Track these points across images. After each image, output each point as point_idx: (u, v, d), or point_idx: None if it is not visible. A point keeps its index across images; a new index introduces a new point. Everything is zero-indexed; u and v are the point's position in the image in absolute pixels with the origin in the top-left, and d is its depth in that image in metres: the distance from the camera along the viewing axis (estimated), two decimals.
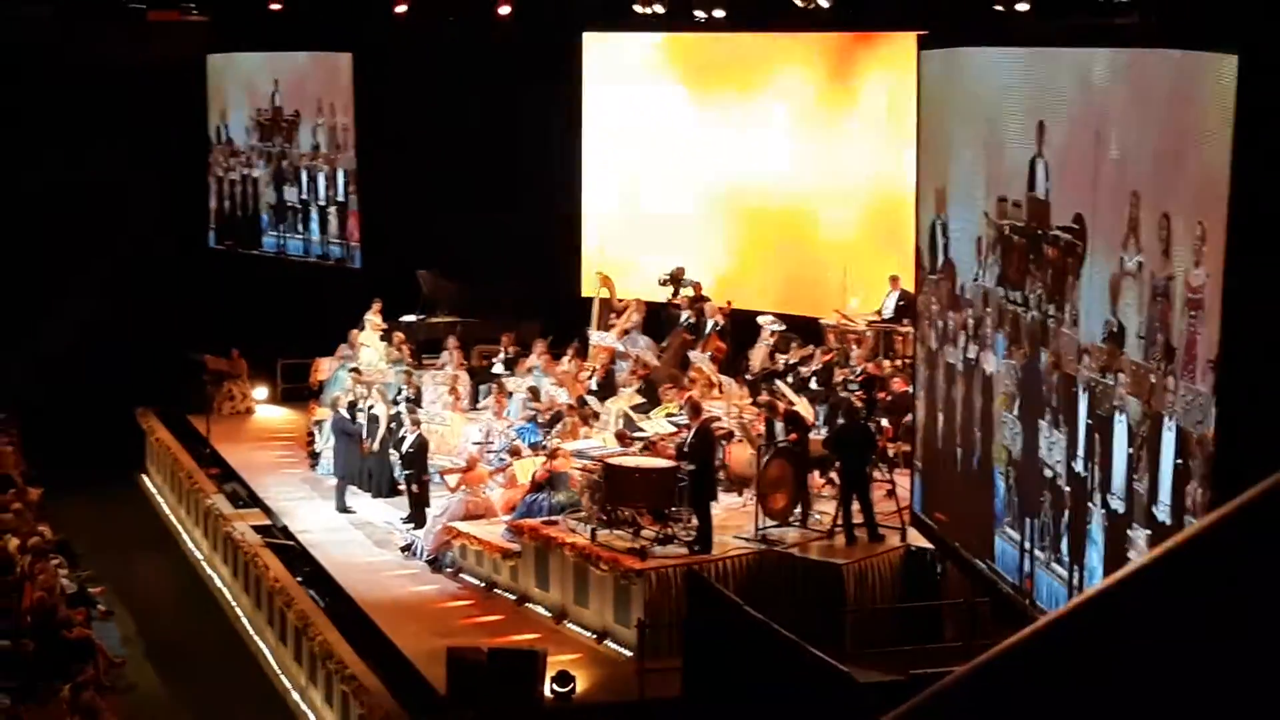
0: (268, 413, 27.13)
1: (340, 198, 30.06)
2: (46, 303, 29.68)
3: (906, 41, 19.52)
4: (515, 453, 19.54)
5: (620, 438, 18.78)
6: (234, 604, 20.30)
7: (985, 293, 14.84)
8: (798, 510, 17.44)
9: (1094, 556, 12.22)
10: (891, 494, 17.59)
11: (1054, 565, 13.04)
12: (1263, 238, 10.11)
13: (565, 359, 22.95)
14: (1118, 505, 11.82)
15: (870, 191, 23.74)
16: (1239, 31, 10.48)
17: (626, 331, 23.43)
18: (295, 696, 17.41)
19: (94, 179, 31.14)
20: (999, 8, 19.12)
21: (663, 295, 24.30)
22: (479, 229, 28.28)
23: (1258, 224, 10.09)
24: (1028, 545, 13.58)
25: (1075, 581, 12.58)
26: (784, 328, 22.37)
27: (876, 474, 17.68)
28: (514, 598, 17.79)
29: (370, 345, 24.78)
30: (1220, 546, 2.86)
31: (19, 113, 31.00)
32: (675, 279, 24.10)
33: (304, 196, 30.84)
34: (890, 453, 18.50)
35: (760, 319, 22.53)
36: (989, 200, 14.67)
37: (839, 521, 17.01)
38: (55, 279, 29.98)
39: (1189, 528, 2.95)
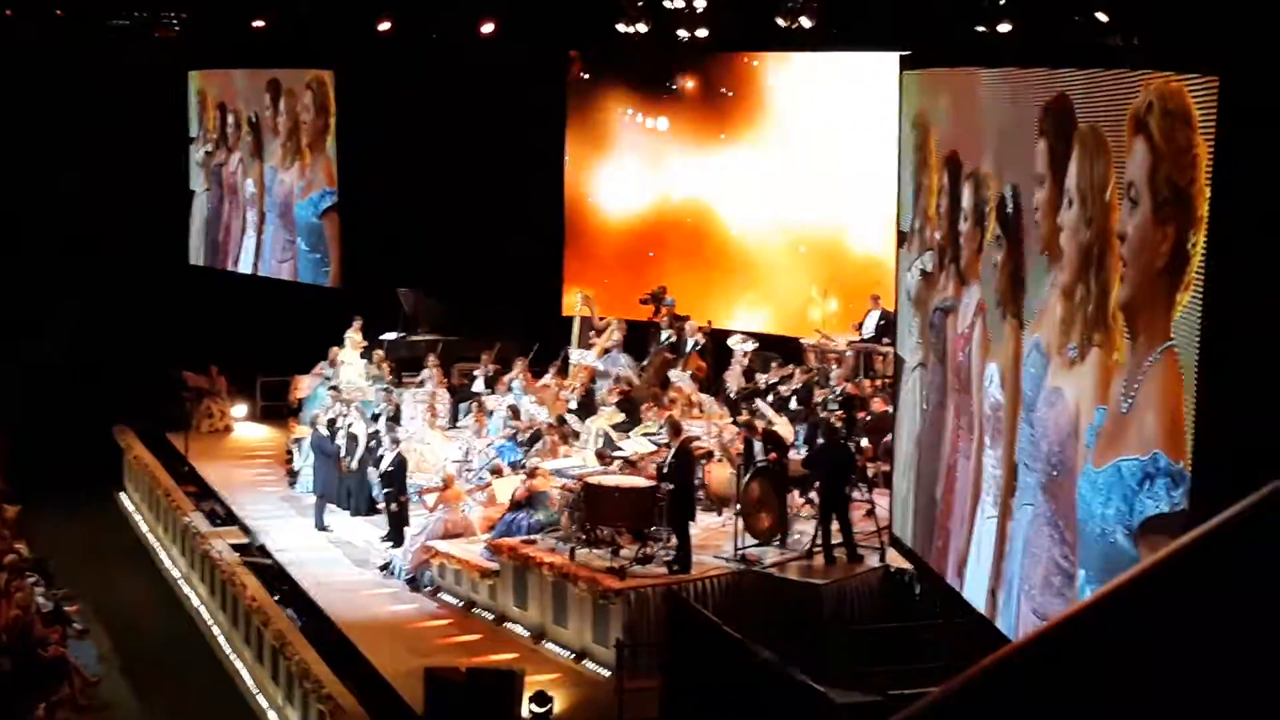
0: (246, 430, 27.05)
1: (319, 213, 30.00)
2: (24, 319, 29.57)
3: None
4: (497, 471, 19.51)
5: (600, 456, 18.76)
6: (211, 622, 20.21)
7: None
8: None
9: None
10: (870, 514, 17.59)
11: None
12: (1241, 260, 10.10)
13: (545, 377, 22.92)
14: None
15: (856, 211, 23.78)
16: (1221, 53, 10.50)
17: (607, 350, 23.42)
18: (272, 716, 17.32)
19: (74, 194, 31.07)
20: (981, 28, 19.15)
21: (643, 314, 24.29)
22: (460, 247, 28.28)
23: (1236, 244, 10.08)
24: None
25: None
26: (755, 346, 22.37)
27: (856, 494, 17.68)
28: (492, 617, 17.75)
29: (350, 363, 24.75)
30: (1195, 566, 2.85)
31: (1, 127, 30.93)
32: (656, 298, 24.10)
33: (280, 212, 30.77)
34: (870, 473, 18.50)
35: (731, 341, 22.53)
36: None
37: (818, 541, 17.00)
38: (33, 295, 29.88)
39: (1166, 548, 2.93)
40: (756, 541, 17.19)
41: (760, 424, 18.91)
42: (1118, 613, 2.93)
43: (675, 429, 17.65)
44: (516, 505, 18.29)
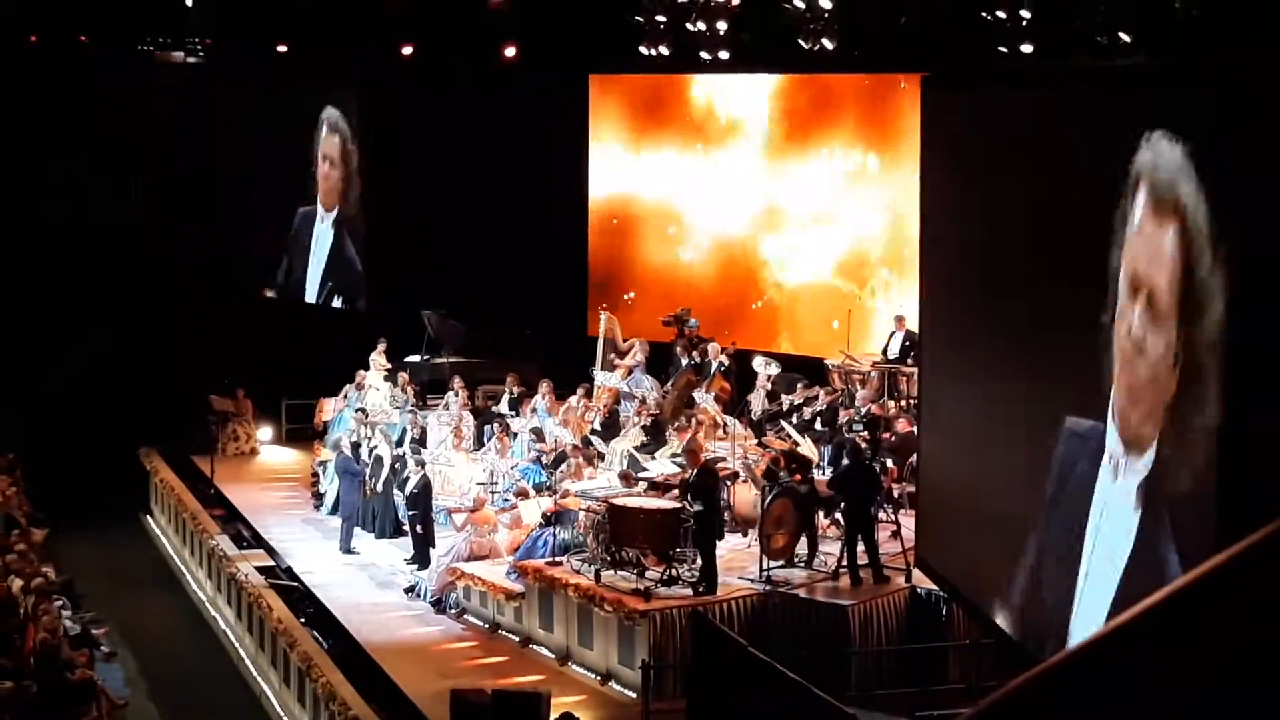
0: (272, 453, 27.13)
1: (345, 238, 30.13)
2: (51, 343, 29.73)
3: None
4: (522, 494, 19.51)
5: (625, 478, 18.77)
6: (237, 645, 20.25)
7: None
8: (803, 551, 17.41)
9: None
10: (896, 535, 17.56)
11: None
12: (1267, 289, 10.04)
13: (570, 399, 22.93)
14: None
15: (881, 233, 23.80)
16: (1231, 72, 10.50)
17: (631, 371, 23.42)
18: None
19: (99, 220, 31.25)
20: (1003, 49, 19.18)
21: (667, 335, 24.31)
22: (484, 269, 28.38)
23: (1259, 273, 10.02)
24: None
25: None
26: (779, 370, 22.37)
27: (881, 515, 17.66)
28: (518, 639, 17.75)
29: (375, 386, 24.81)
30: (1222, 590, 2.86)
31: (28, 153, 31.13)
32: (679, 319, 24.11)
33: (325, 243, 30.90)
34: (895, 493, 18.48)
35: (755, 364, 22.52)
36: None
37: (844, 562, 16.97)
38: (59, 319, 30.04)
39: (1190, 572, 2.94)
40: (773, 561, 17.15)
41: (786, 444, 18.92)
42: (1146, 633, 2.94)
43: (694, 454, 17.66)
44: (542, 527, 18.31)
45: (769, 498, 17.26)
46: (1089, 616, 12.35)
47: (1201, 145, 10.52)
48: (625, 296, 27.11)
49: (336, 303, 30.66)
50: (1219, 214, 10.26)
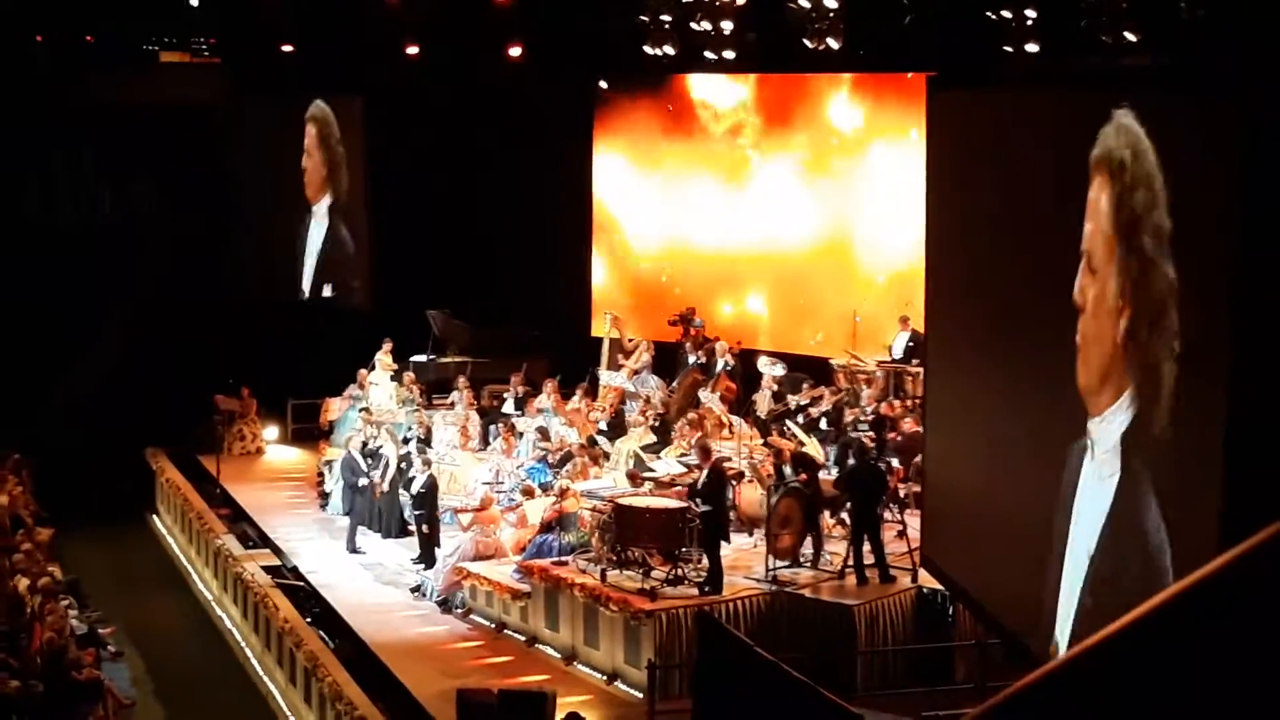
0: (278, 453, 27.16)
1: (342, 235, 30.16)
2: (58, 344, 29.75)
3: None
4: (529, 493, 19.52)
5: (631, 478, 18.78)
6: (244, 644, 20.27)
7: None
8: (809, 551, 17.41)
9: None
10: (902, 535, 17.57)
11: None
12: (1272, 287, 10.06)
13: (575, 399, 22.95)
14: None
15: (887, 231, 23.80)
16: (1247, 75, 10.52)
17: (636, 371, 23.44)
18: None
19: (105, 220, 31.28)
20: (1008, 49, 19.17)
21: (672, 335, 24.32)
22: (490, 269, 28.40)
23: (1266, 273, 10.05)
24: None
25: None
26: (784, 370, 22.37)
27: (887, 515, 17.66)
28: (524, 639, 17.76)
29: (380, 385, 24.84)
30: (1223, 592, 2.87)
31: (36, 155, 31.17)
32: (685, 319, 24.12)
33: (318, 236, 30.92)
34: (901, 493, 18.48)
35: (761, 364, 22.52)
36: None
37: (850, 562, 16.98)
38: (67, 320, 30.06)
39: (1194, 573, 2.96)
40: (778, 561, 17.16)
41: (792, 444, 18.92)
42: (1151, 634, 2.95)
43: (705, 451, 17.67)
44: (547, 527, 18.32)
45: (775, 497, 17.27)
46: (1066, 591, 12.51)
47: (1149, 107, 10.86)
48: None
49: (327, 291, 30.65)
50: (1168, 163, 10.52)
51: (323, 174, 30.17)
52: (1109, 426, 11.90)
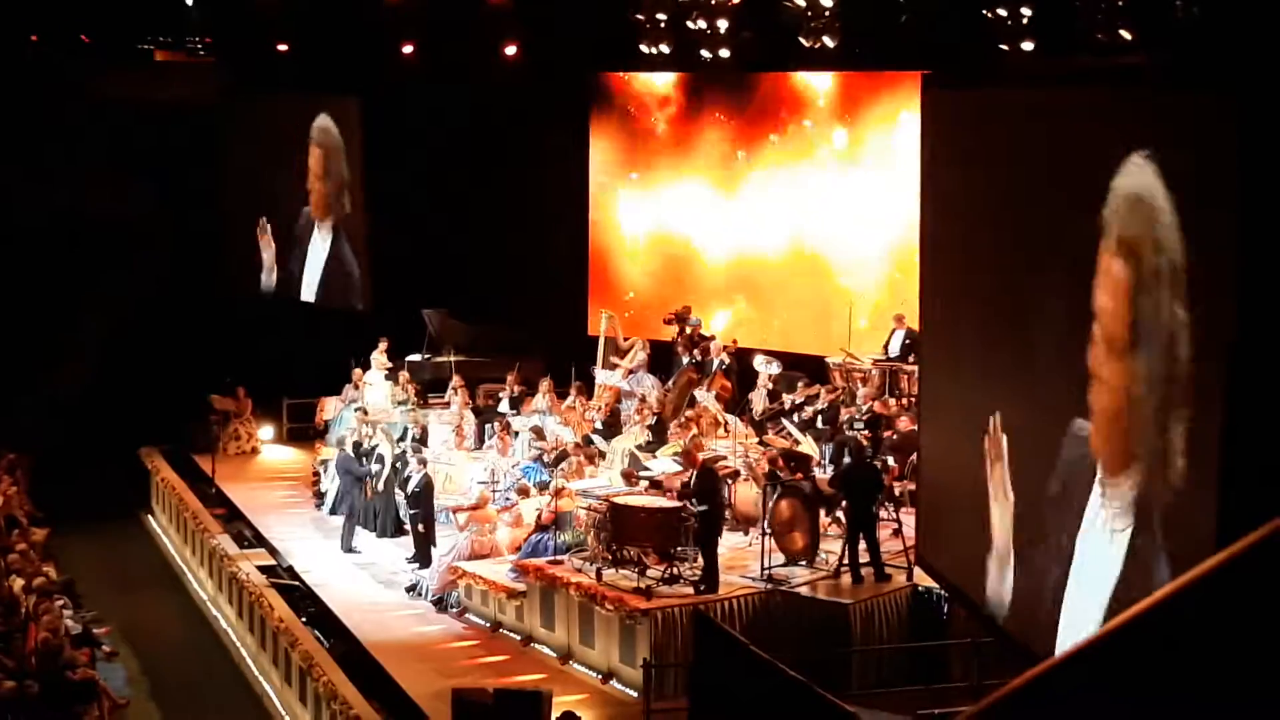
0: (273, 452, 27.14)
1: (342, 245, 30.12)
2: (53, 343, 29.73)
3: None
4: (524, 492, 19.51)
5: (626, 477, 18.77)
6: (239, 644, 20.25)
7: None
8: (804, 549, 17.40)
9: None
10: (898, 533, 17.57)
11: None
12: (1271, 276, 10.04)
13: (570, 398, 22.94)
14: None
15: (881, 231, 23.81)
16: (1242, 72, 10.50)
17: (632, 371, 23.43)
18: None
19: (102, 220, 31.23)
20: (1004, 47, 19.18)
21: (668, 334, 24.31)
22: (485, 268, 28.38)
23: (1266, 269, 10.01)
24: None
25: None
26: (779, 369, 22.36)
27: (883, 513, 17.66)
28: (519, 638, 17.75)
29: (376, 385, 24.82)
30: (1216, 593, 2.86)
31: (29, 152, 31.13)
32: (680, 318, 24.11)
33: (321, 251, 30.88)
34: (896, 491, 18.48)
35: (756, 363, 22.51)
36: None
37: (845, 561, 16.97)
38: (62, 319, 30.04)
39: (1184, 575, 2.95)
40: (790, 561, 17.15)
41: (783, 443, 18.92)
42: (1144, 633, 2.94)
43: (689, 454, 17.65)
44: (543, 526, 18.31)
45: (773, 497, 17.26)
46: (1074, 628, 12.45)
47: (1179, 171, 10.65)
48: (627, 295, 27.10)
49: (309, 297, 30.67)
50: (1191, 247, 10.41)
51: (327, 199, 30.11)
52: (1120, 489, 11.79)
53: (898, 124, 23.07)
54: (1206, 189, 10.51)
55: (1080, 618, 12.34)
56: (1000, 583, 14.33)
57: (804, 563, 17.24)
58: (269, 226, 31.52)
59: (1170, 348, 10.78)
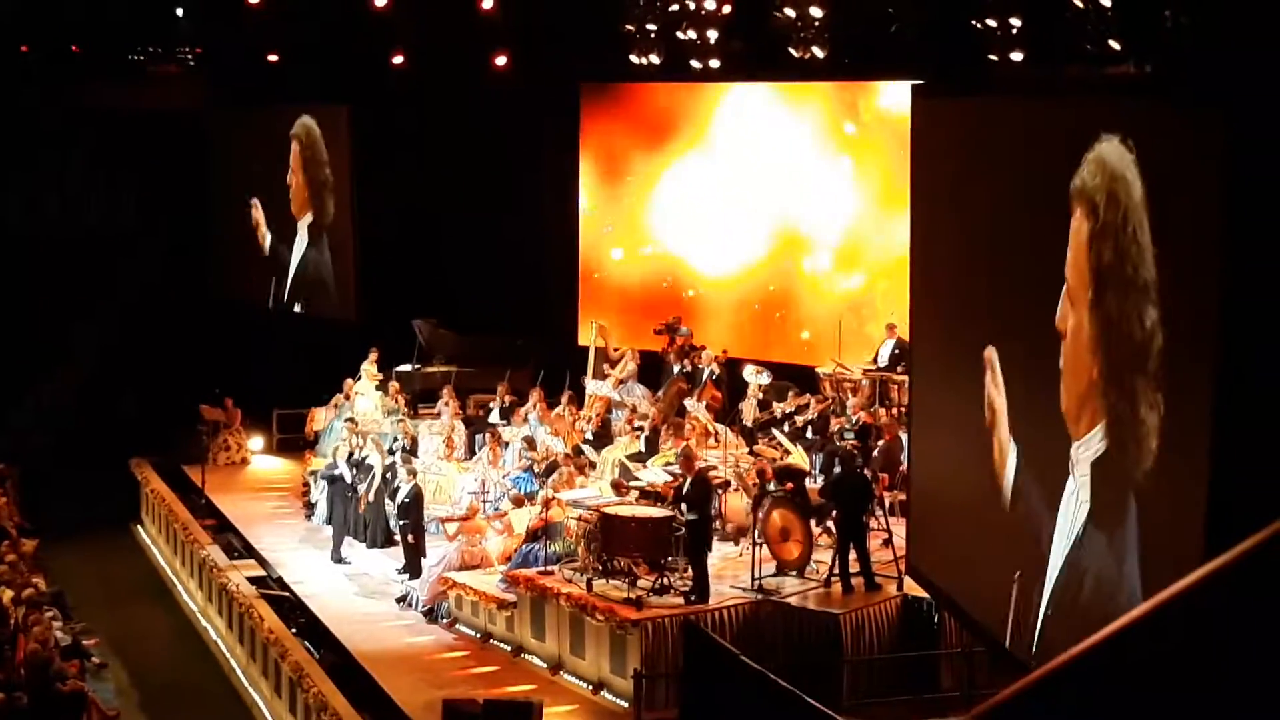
0: (263, 463, 27.11)
1: (321, 243, 30.11)
2: (43, 353, 29.70)
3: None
4: (518, 502, 19.49)
5: (616, 487, 18.76)
6: (229, 655, 20.22)
7: None
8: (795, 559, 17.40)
9: None
10: (888, 543, 17.57)
11: None
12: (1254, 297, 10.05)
13: (560, 408, 22.94)
14: None
15: (870, 240, 23.84)
16: (1230, 84, 10.53)
17: (622, 380, 23.44)
18: None
19: (92, 229, 31.23)
20: (993, 57, 19.21)
21: (658, 344, 24.31)
22: (475, 278, 28.37)
23: (1248, 285, 10.03)
24: None
25: None
26: (769, 379, 22.37)
27: (873, 523, 17.66)
28: (509, 648, 17.74)
29: (366, 395, 24.80)
30: (1208, 600, 2.86)
31: (20, 162, 31.12)
32: (671, 327, 24.12)
33: (297, 252, 30.87)
34: (887, 501, 18.48)
35: (746, 373, 22.51)
36: None
37: (835, 570, 16.97)
38: (52, 329, 30.01)
39: (1176, 584, 2.95)
40: (784, 571, 17.14)
41: (773, 453, 18.92)
42: (1136, 642, 2.94)
43: (688, 459, 17.66)
44: (533, 536, 18.30)
45: (765, 508, 17.25)
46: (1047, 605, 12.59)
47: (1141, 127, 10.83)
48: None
49: (297, 308, 30.62)
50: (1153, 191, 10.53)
51: (305, 194, 30.12)
52: (1083, 454, 11.99)
53: (889, 133, 23.09)
54: (1185, 189, 10.59)
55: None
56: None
57: (795, 573, 17.22)
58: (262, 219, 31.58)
59: (1129, 303, 10.98)
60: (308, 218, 30.23)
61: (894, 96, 22.03)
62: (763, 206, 25.28)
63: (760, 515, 17.31)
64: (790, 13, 22.08)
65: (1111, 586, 11.37)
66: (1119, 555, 11.34)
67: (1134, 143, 11.14)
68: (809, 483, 18.32)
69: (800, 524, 17.13)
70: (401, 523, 20.29)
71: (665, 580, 16.69)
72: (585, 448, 21.21)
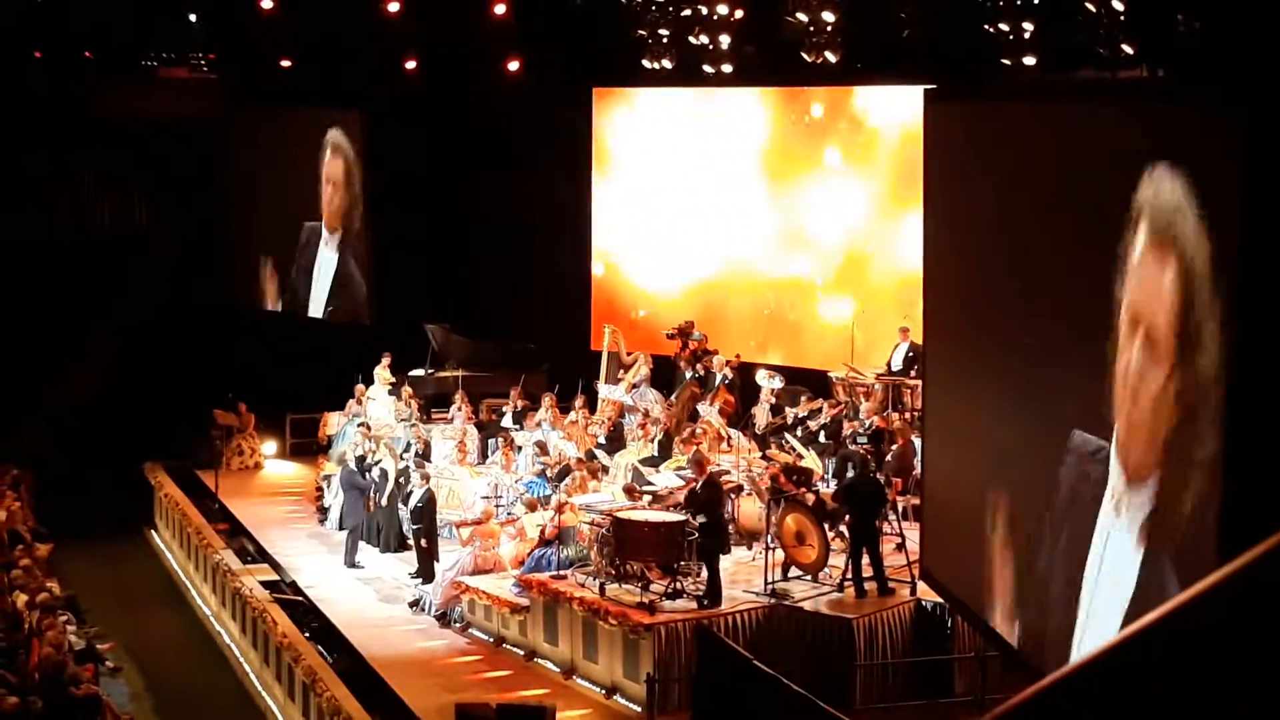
0: (276, 467, 27.14)
1: (349, 261, 30.15)
2: (57, 358, 29.76)
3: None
4: (533, 506, 19.48)
5: (629, 491, 18.76)
6: (242, 659, 20.24)
7: None
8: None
9: None
10: (901, 547, 17.56)
11: None
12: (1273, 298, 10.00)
13: (573, 412, 22.95)
14: None
15: (885, 244, 23.84)
16: (1245, 85, 10.49)
17: (635, 385, 23.44)
18: None
19: (105, 233, 31.30)
20: (1006, 61, 19.20)
21: (671, 348, 24.31)
22: (488, 283, 28.39)
23: (1270, 286, 9.96)
24: None
25: None
26: (782, 384, 22.36)
27: (886, 527, 17.65)
28: (522, 653, 17.74)
29: (379, 400, 24.83)
30: (1224, 606, 2.86)
31: (34, 166, 31.19)
32: (683, 332, 24.12)
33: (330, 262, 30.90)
34: (899, 506, 18.47)
35: (759, 377, 22.50)
36: None
37: (848, 575, 16.96)
38: (66, 334, 30.07)
39: (1191, 588, 2.95)
40: (802, 574, 17.12)
41: (786, 458, 18.91)
42: (1150, 648, 2.94)
43: (700, 464, 17.66)
44: (546, 541, 18.30)
45: (778, 511, 17.23)
46: (1095, 621, 12.38)
47: (1201, 179, 10.53)
48: (638, 313, 27.07)
49: (321, 313, 30.69)
50: (1218, 252, 10.28)
51: (344, 210, 30.14)
52: (1137, 499, 11.68)
53: (903, 137, 23.10)
54: (1215, 201, 10.49)
55: (1099, 635, 12.25)
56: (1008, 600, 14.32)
57: (809, 576, 17.20)
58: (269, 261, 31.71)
59: (1201, 357, 10.64)
60: (339, 232, 30.25)
61: (906, 100, 22.02)
62: (773, 210, 25.27)
63: (774, 520, 17.30)
64: (802, 17, 22.08)
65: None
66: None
67: (1179, 169, 10.79)
68: (821, 487, 18.30)
69: (814, 527, 17.11)
70: (415, 527, 20.30)
71: (678, 584, 16.68)
72: (598, 452, 21.23)
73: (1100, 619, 12.21)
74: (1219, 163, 10.50)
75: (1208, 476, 10.50)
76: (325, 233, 30.60)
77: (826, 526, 17.79)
